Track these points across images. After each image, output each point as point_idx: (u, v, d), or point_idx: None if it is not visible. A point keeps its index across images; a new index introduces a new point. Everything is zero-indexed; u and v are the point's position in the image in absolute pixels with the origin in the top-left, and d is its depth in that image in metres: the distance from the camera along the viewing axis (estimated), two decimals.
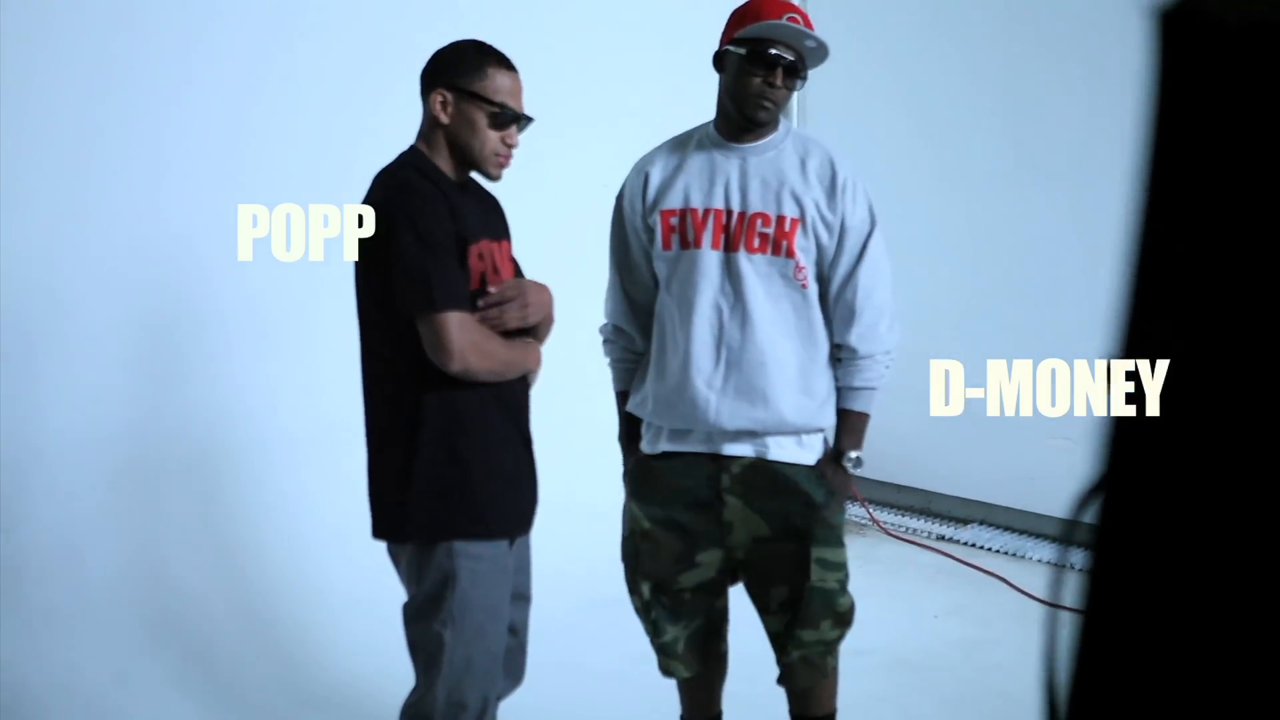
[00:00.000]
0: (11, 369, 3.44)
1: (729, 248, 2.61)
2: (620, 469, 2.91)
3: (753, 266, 2.60)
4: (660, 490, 2.75)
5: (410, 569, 2.52)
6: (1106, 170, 4.54)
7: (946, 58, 5.31)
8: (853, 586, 2.76)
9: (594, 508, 3.85)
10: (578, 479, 4.15)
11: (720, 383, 2.62)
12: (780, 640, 2.77)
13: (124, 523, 3.68)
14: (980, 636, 4.13)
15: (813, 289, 2.64)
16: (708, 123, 2.72)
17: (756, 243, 2.59)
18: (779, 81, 2.55)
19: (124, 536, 3.68)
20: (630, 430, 2.87)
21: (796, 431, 2.66)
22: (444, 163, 2.50)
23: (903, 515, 5.56)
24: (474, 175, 2.58)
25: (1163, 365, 0.56)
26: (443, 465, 2.44)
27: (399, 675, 2.60)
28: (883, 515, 5.51)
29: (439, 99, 2.47)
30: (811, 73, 2.67)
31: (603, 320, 2.92)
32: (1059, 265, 4.94)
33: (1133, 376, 0.57)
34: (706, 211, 2.63)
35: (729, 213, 2.62)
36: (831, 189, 2.61)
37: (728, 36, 2.61)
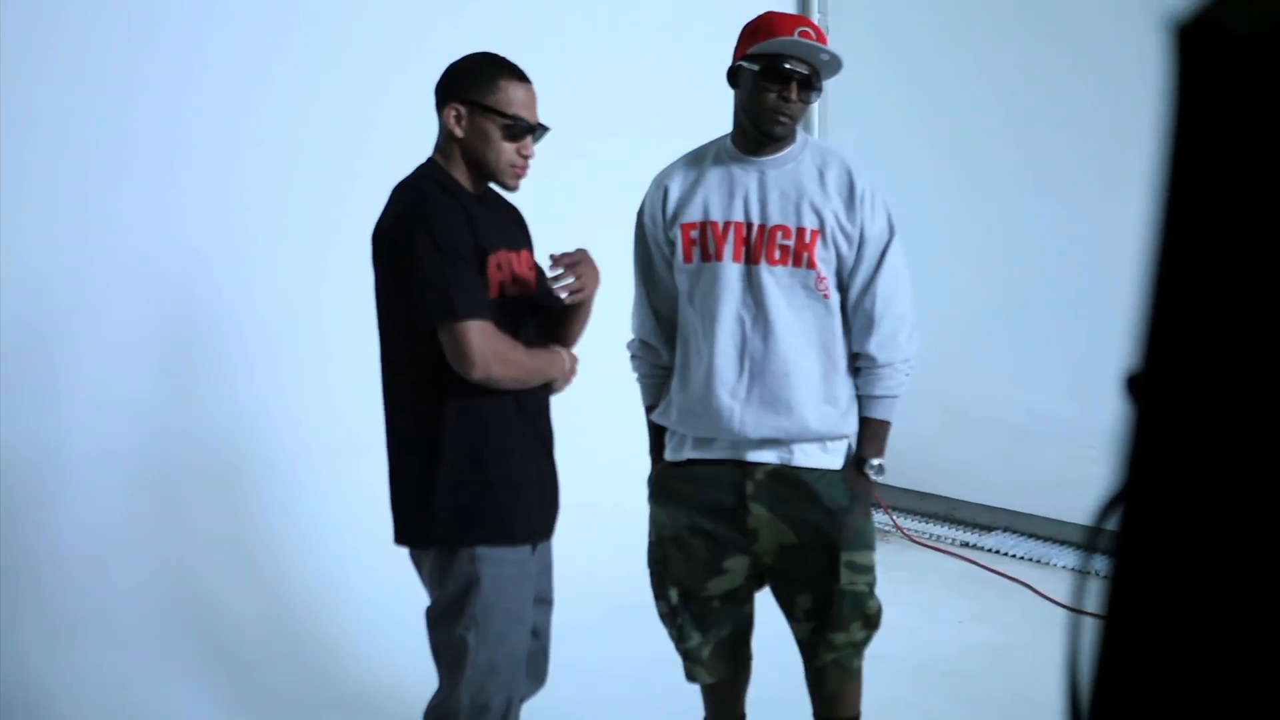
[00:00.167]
0: (33, 380, 3.45)
1: (750, 260, 2.63)
2: (644, 475, 2.91)
3: (774, 279, 2.61)
4: (685, 497, 2.76)
5: (433, 574, 2.53)
6: (1125, 181, 4.52)
7: (965, 69, 5.30)
8: (877, 592, 2.77)
9: (618, 513, 3.86)
10: (602, 484, 4.16)
11: (744, 393, 2.64)
12: (810, 645, 2.77)
13: (146, 531, 3.70)
14: (1004, 642, 4.12)
15: (834, 298, 2.65)
16: (724, 136, 2.73)
17: (777, 255, 2.61)
18: (794, 96, 2.55)
19: (146, 545, 3.69)
20: (657, 440, 2.88)
21: (820, 439, 2.68)
22: (461, 175, 2.52)
23: (927, 522, 5.55)
24: (493, 186, 2.60)
25: (1182, 379, 0.57)
26: (465, 472, 2.45)
27: (422, 678, 2.61)
28: (907, 522, 5.50)
29: (453, 113, 2.48)
30: (830, 83, 2.68)
31: (627, 330, 2.93)
32: (1080, 273, 4.92)
33: (1152, 389, 0.58)
34: (727, 224, 2.65)
35: (749, 225, 2.63)
36: (850, 199, 2.62)
37: (740, 52, 2.62)
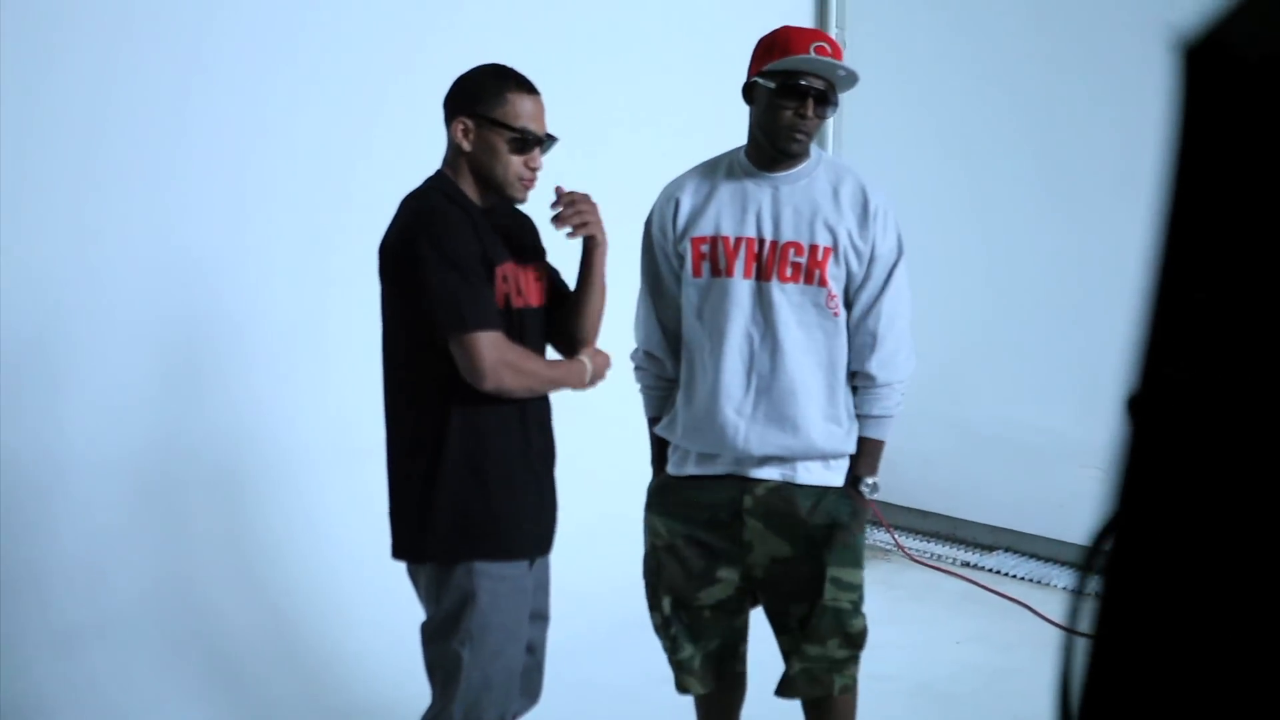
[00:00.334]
0: (34, 387, 3.45)
1: (761, 277, 2.62)
2: (643, 489, 2.91)
3: (785, 296, 2.61)
4: (682, 507, 2.75)
5: (429, 589, 2.53)
6: (1137, 200, 4.52)
7: (980, 85, 5.30)
8: (876, 611, 2.75)
9: (617, 529, 3.84)
10: (602, 500, 4.15)
11: (750, 410, 2.63)
12: (786, 655, 2.77)
13: (146, 539, 3.69)
14: (1003, 664, 4.10)
15: (842, 316, 2.65)
16: (738, 149, 2.72)
17: (789, 272, 2.60)
18: (810, 112, 2.54)
19: (146, 553, 3.68)
20: (660, 454, 2.87)
21: (824, 457, 2.68)
22: (469, 188, 2.51)
23: (928, 541, 5.53)
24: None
25: (1179, 401, 0.56)
26: (464, 486, 2.45)
27: (420, 692, 2.60)
28: (908, 541, 5.48)
29: (460, 127, 2.48)
30: (845, 98, 2.68)
31: (630, 342, 2.92)
32: (1088, 292, 4.91)
33: (1148, 410, 0.58)
34: (738, 240, 2.64)
35: (761, 241, 2.62)
36: (864, 216, 2.61)
37: (755, 68, 2.61)
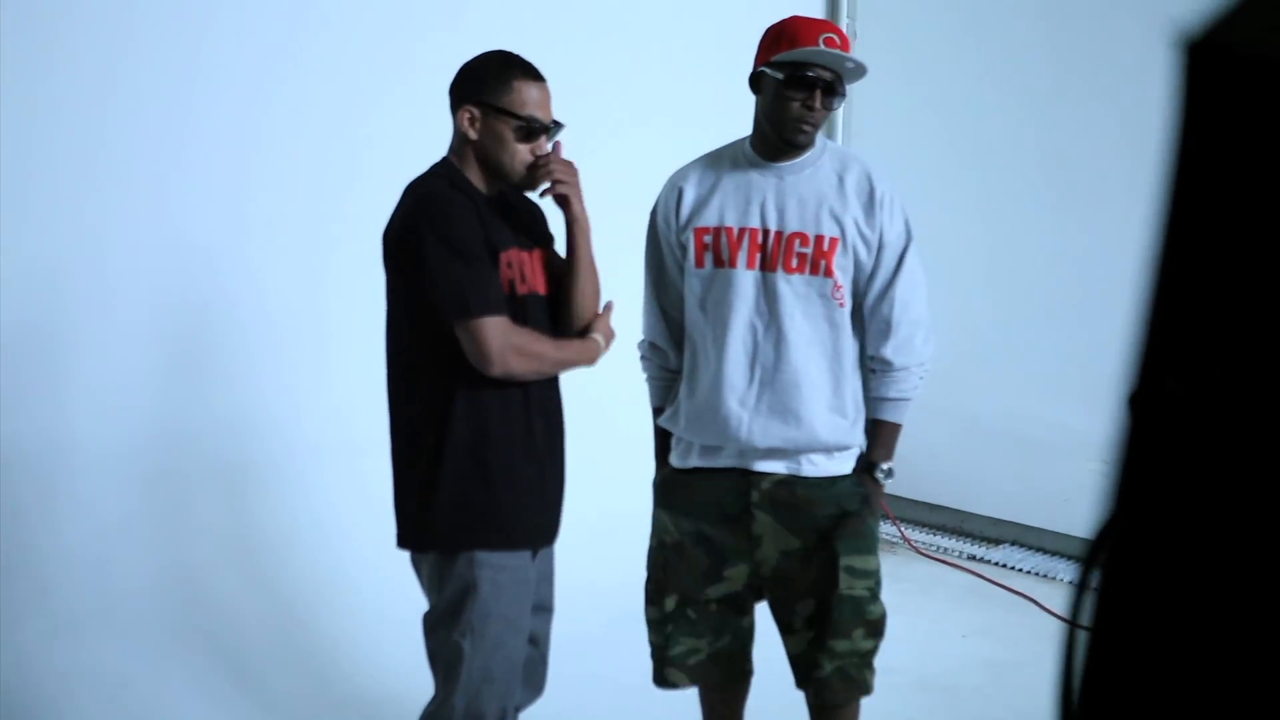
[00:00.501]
0: (38, 376, 3.46)
1: (766, 267, 2.61)
2: (648, 483, 2.90)
3: (790, 287, 2.60)
4: (689, 502, 2.74)
5: (431, 579, 2.52)
6: (1144, 194, 4.51)
7: (989, 78, 5.29)
8: (883, 601, 2.74)
9: (622, 521, 3.85)
10: (607, 492, 4.15)
11: (753, 401, 2.62)
12: (806, 659, 2.73)
13: (149, 531, 3.70)
14: (1008, 658, 4.10)
15: (848, 306, 2.63)
16: (743, 139, 2.71)
17: (794, 262, 2.59)
18: (818, 104, 2.53)
19: (149, 545, 3.69)
20: (664, 444, 2.86)
21: (828, 449, 2.66)
22: (474, 175, 2.51)
23: (934, 534, 5.53)
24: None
25: (1176, 398, 0.57)
26: (467, 476, 2.44)
27: (424, 683, 2.61)
28: (914, 534, 5.48)
29: (466, 115, 2.47)
30: (855, 90, 2.66)
31: (637, 333, 2.92)
32: (1096, 286, 4.90)
33: (1145, 406, 0.58)
34: (742, 231, 2.63)
35: (765, 232, 2.61)
36: (870, 204, 2.60)
37: (763, 58, 2.59)
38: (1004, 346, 5.31)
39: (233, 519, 3.91)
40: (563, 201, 2.54)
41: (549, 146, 2.52)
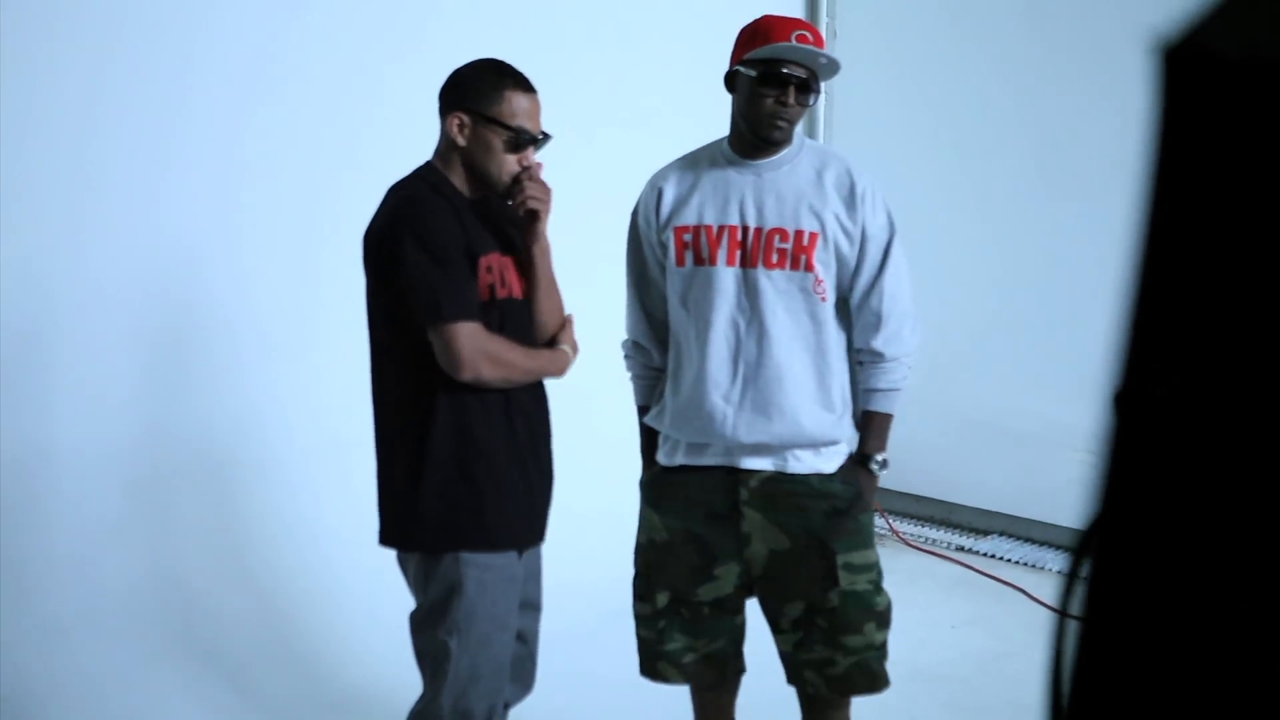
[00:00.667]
0: (22, 377, 3.44)
1: (746, 264, 2.61)
2: (635, 480, 2.91)
3: (771, 283, 2.60)
4: (678, 500, 2.74)
5: (418, 577, 2.52)
6: (1130, 187, 4.52)
7: (973, 73, 5.28)
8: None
9: (610, 518, 3.84)
10: (594, 489, 4.15)
11: (737, 397, 2.62)
12: (799, 659, 2.73)
13: (136, 532, 3.68)
14: (998, 648, 4.11)
15: (831, 300, 2.63)
16: (721, 139, 2.71)
17: (775, 258, 2.59)
18: (792, 100, 2.54)
19: (136, 545, 3.68)
20: (650, 443, 2.85)
21: (814, 444, 2.66)
22: (459, 181, 2.51)
23: (922, 525, 5.55)
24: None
25: (1160, 397, 0.57)
26: (451, 477, 2.44)
27: (412, 682, 2.60)
28: (902, 525, 5.50)
29: (456, 121, 2.47)
30: (836, 86, 2.67)
31: (616, 334, 2.92)
32: (1082, 278, 4.92)
33: (1129, 406, 0.59)
34: (721, 229, 2.63)
35: (745, 229, 2.61)
36: (851, 199, 2.60)
37: (737, 56, 2.60)
38: (991, 339, 5.33)
39: (219, 519, 3.90)
40: (532, 217, 2.53)
41: (535, 158, 2.52)
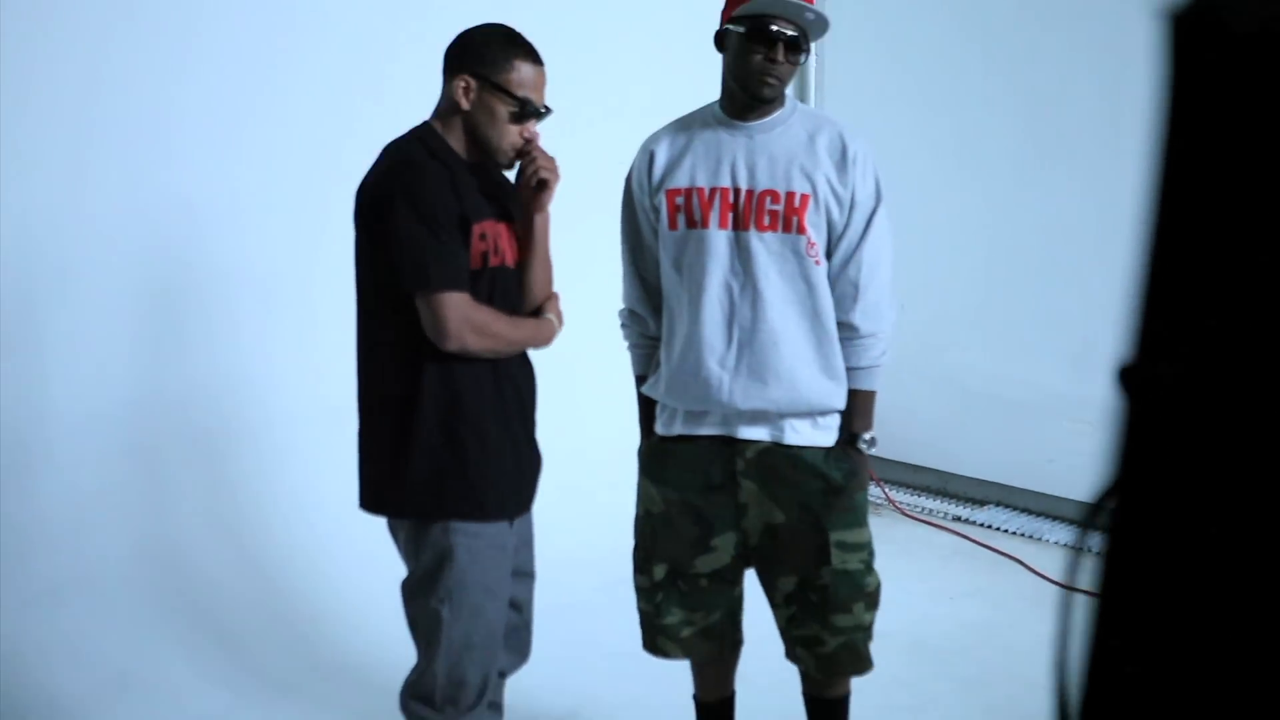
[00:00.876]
0: (15, 344, 3.43)
1: (738, 226, 2.58)
2: (633, 449, 2.89)
3: (764, 245, 2.56)
4: (675, 471, 2.72)
5: (409, 545, 2.51)
6: (1125, 155, 4.50)
7: (965, 38, 5.26)
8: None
9: (606, 487, 3.85)
10: (591, 459, 4.15)
11: (733, 362, 2.59)
12: (804, 638, 2.72)
13: (129, 498, 3.69)
14: (996, 619, 4.12)
15: (824, 266, 2.60)
16: (713, 103, 2.68)
17: (766, 220, 2.56)
18: (781, 57, 2.50)
19: (129, 512, 3.68)
20: (648, 413, 2.83)
21: (812, 413, 2.62)
22: (457, 143, 2.48)
23: (919, 495, 5.56)
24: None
25: (1175, 373, 0.57)
26: (439, 446, 2.43)
27: (406, 648, 2.60)
28: (899, 495, 5.51)
29: (462, 84, 2.43)
30: (826, 51, 2.64)
31: (612, 304, 2.90)
32: (1078, 250, 4.92)
33: (1145, 382, 0.58)
34: (713, 191, 2.60)
35: (736, 191, 2.58)
36: (842, 162, 2.57)
37: (727, 14, 2.57)
38: (986, 307, 5.32)
39: (214, 484, 3.90)
40: (542, 186, 2.52)
41: (536, 131, 2.50)
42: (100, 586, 3.57)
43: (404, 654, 2.63)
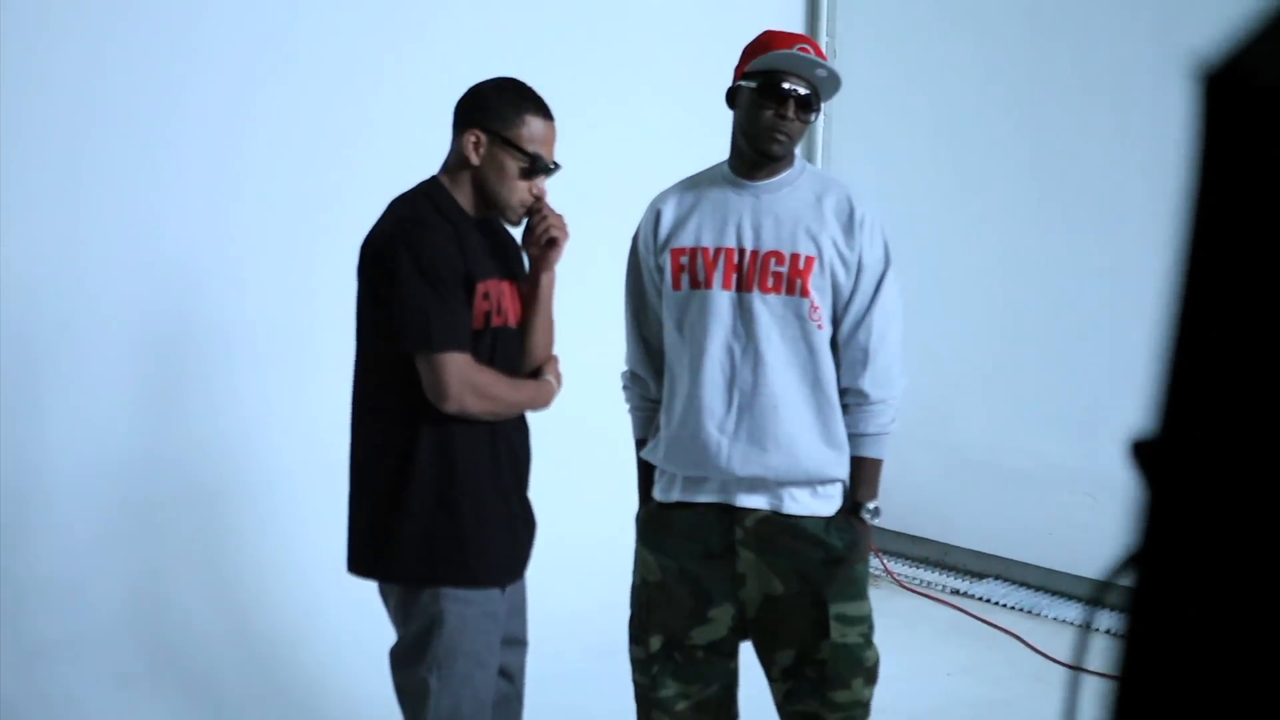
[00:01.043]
0: (12, 400, 3.40)
1: (741, 288, 2.55)
2: (629, 511, 2.85)
3: (766, 307, 2.54)
4: (672, 539, 2.67)
5: (398, 611, 2.48)
6: (1136, 215, 4.51)
7: (975, 98, 5.24)
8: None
9: (601, 551, 3.80)
10: (586, 522, 4.11)
11: (732, 427, 2.55)
12: (789, 711, 2.67)
13: (124, 554, 3.64)
14: (993, 697, 4.06)
15: (828, 330, 2.57)
16: (722, 162, 2.68)
17: (770, 282, 2.53)
18: (791, 114, 2.50)
19: (124, 568, 3.64)
20: (646, 478, 2.79)
21: (811, 481, 2.58)
22: (464, 199, 2.47)
23: (917, 567, 5.50)
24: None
25: (1204, 451, 0.54)
26: (431, 511, 2.39)
27: (396, 713, 2.57)
28: (897, 566, 5.45)
29: (472, 139, 2.43)
30: (835, 108, 2.65)
31: (613, 362, 2.88)
32: (1084, 315, 4.90)
33: (1171, 460, 0.56)
34: (717, 251, 2.58)
35: (741, 251, 2.56)
36: (849, 225, 2.55)
37: (739, 72, 2.57)
38: (988, 376, 5.30)
39: (208, 543, 3.86)
40: (552, 245, 2.52)
41: (544, 187, 2.50)
42: (94, 644, 3.52)
43: (395, 717, 2.59)
